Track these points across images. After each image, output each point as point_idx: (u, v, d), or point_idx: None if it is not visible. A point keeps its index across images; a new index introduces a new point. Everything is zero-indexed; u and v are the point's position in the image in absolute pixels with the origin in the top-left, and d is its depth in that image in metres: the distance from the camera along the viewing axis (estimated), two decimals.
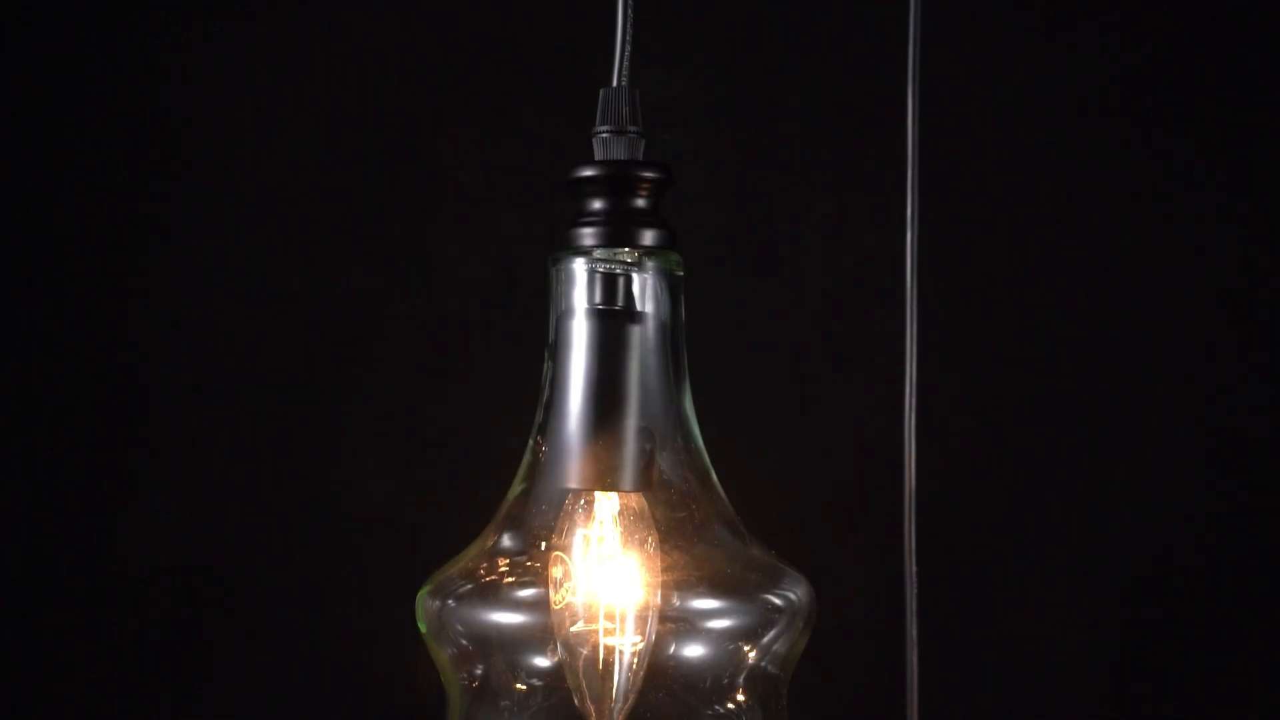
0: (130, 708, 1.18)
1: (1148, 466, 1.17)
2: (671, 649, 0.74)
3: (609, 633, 0.74)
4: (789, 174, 1.17)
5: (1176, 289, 1.16)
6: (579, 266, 0.75)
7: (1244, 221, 1.16)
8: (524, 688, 0.75)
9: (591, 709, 0.74)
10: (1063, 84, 1.16)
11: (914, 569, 0.82)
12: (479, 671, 0.76)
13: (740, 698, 0.75)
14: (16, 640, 1.17)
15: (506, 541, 0.76)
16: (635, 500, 0.75)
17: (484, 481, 0.82)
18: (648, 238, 0.74)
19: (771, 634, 0.75)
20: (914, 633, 0.83)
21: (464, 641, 0.75)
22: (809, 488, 1.16)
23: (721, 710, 0.75)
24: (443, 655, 0.77)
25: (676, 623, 0.74)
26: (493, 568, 0.76)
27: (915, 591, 0.83)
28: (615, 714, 0.74)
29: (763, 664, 0.76)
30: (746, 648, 0.75)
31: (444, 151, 1.16)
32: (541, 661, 0.75)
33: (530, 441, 0.77)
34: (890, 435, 0.80)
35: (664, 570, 0.74)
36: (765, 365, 1.17)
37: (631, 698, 0.74)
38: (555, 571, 0.74)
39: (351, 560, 1.16)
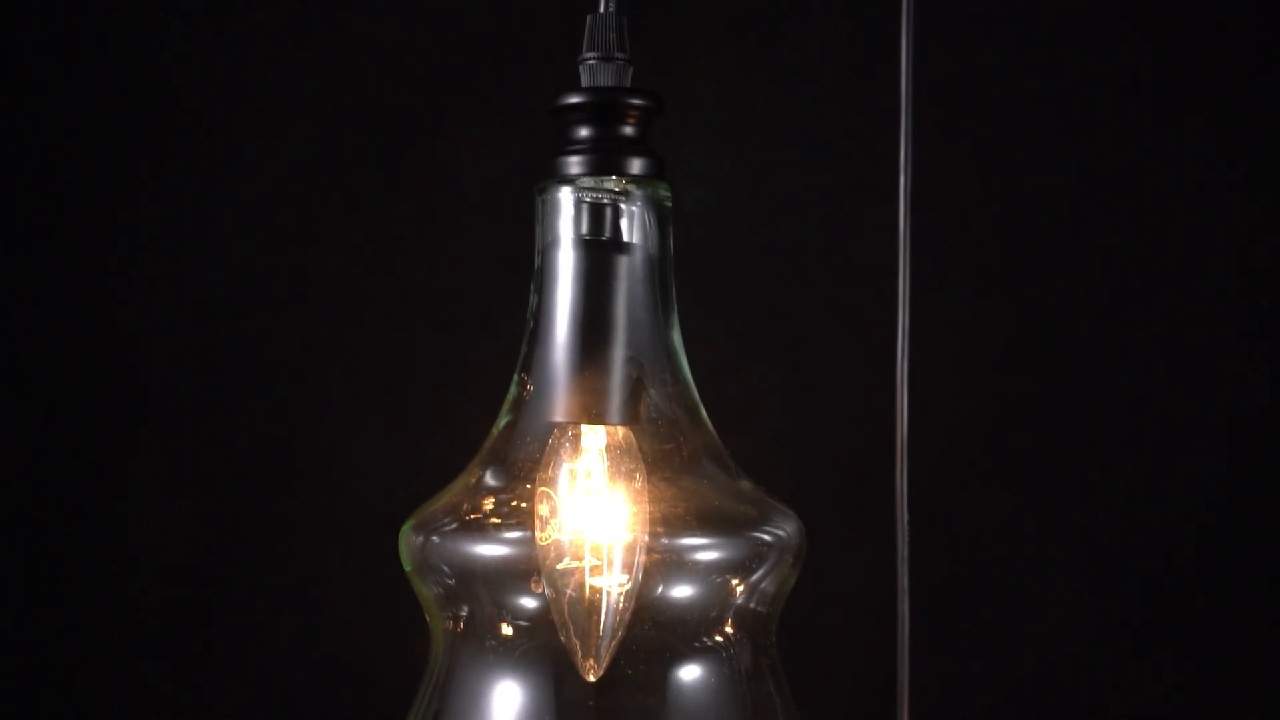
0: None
1: (1150, 451, 1.16)
2: (659, 582, 0.73)
3: (595, 571, 0.73)
4: (783, 138, 1.16)
5: (1180, 277, 1.15)
6: (565, 195, 0.74)
7: (1249, 207, 1.15)
8: (510, 630, 0.74)
9: (577, 645, 0.73)
10: (1065, 51, 1.16)
11: (905, 517, 0.81)
12: (464, 612, 0.75)
13: (729, 629, 0.74)
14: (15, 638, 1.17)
15: (491, 476, 0.75)
16: (622, 434, 0.74)
17: (470, 416, 0.81)
18: (635, 166, 0.74)
19: (760, 570, 0.74)
20: (905, 581, 0.82)
21: (448, 579, 0.74)
22: (802, 440, 1.15)
23: (710, 643, 0.74)
24: (427, 593, 0.76)
25: (664, 555, 0.73)
26: (477, 504, 0.75)
27: (907, 540, 0.82)
28: (602, 652, 0.73)
29: (751, 602, 0.75)
30: (735, 582, 0.74)
31: (440, 121, 1.16)
32: (528, 603, 0.74)
33: (515, 375, 0.76)
34: (883, 385, 0.79)
35: (651, 502, 0.73)
36: (758, 322, 1.16)
37: (618, 635, 0.73)
38: (541, 508, 0.73)
39: (344, 511, 1.15)
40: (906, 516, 0.81)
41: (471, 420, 0.79)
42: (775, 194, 1.16)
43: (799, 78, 1.16)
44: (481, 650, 0.74)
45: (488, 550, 0.73)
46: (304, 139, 1.16)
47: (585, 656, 0.73)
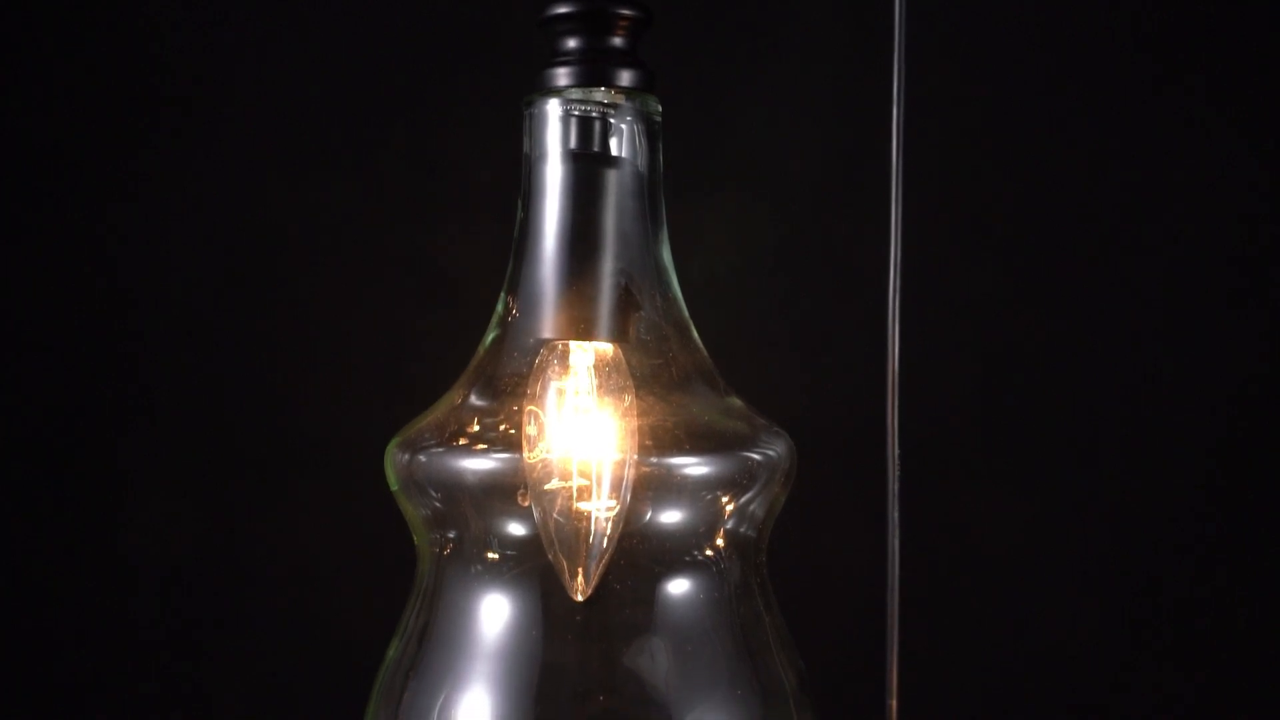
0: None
1: (1149, 450, 1.15)
2: (648, 499, 0.72)
3: (584, 491, 0.72)
4: (777, 80, 1.15)
5: (1182, 280, 1.15)
6: (553, 108, 0.73)
7: (1253, 189, 1.15)
8: (496, 556, 0.73)
9: (564, 564, 0.72)
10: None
11: (896, 451, 0.81)
12: (451, 536, 0.74)
13: (718, 546, 0.73)
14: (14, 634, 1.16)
15: (478, 394, 0.74)
16: (612, 352, 0.73)
17: (456, 337, 0.80)
18: (625, 78, 0.73)
19: (751, 488, 0.74)
20: (895, 516, 0.82)
21: (435, 499, 0.74)
22: (794, 371, 1.15)
23: (699, 557, 0.73)
24: (415, 514, 0.75)
25: (653, 472, 0.72)
26: (464, 421, 0.74)
27: (897, 474, 0.82)
28: (590, 572, 0.72)
29: (741, 520, 0.74)
30: (724, 500, 0.73)
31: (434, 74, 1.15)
32: (516, 529, 0.73)
33: (502, 293, 0.75)
34: (875, 319, 0.79)
35: (640, 416, 0.72)
36: (754, 260, 1.15)
37: (606, 556, 0.72)
38: (529, 428, 0.73)
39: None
40: (897, 451, 0.80)
41: (458, 339, 0.79)
42: (771, 173, 1.15)
43: (790, 27, 1.15)
44: (465, 575, 0.74)
45: (474, 466, 0.72)
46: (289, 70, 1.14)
47: (573, 576, 0.72)
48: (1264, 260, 1.14)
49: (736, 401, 0.75)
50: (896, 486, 0.81)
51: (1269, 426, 1.15)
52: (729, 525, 0.73)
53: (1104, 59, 1.14)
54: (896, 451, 0.80)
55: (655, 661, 0.71)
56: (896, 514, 0.81)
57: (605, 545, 0.72)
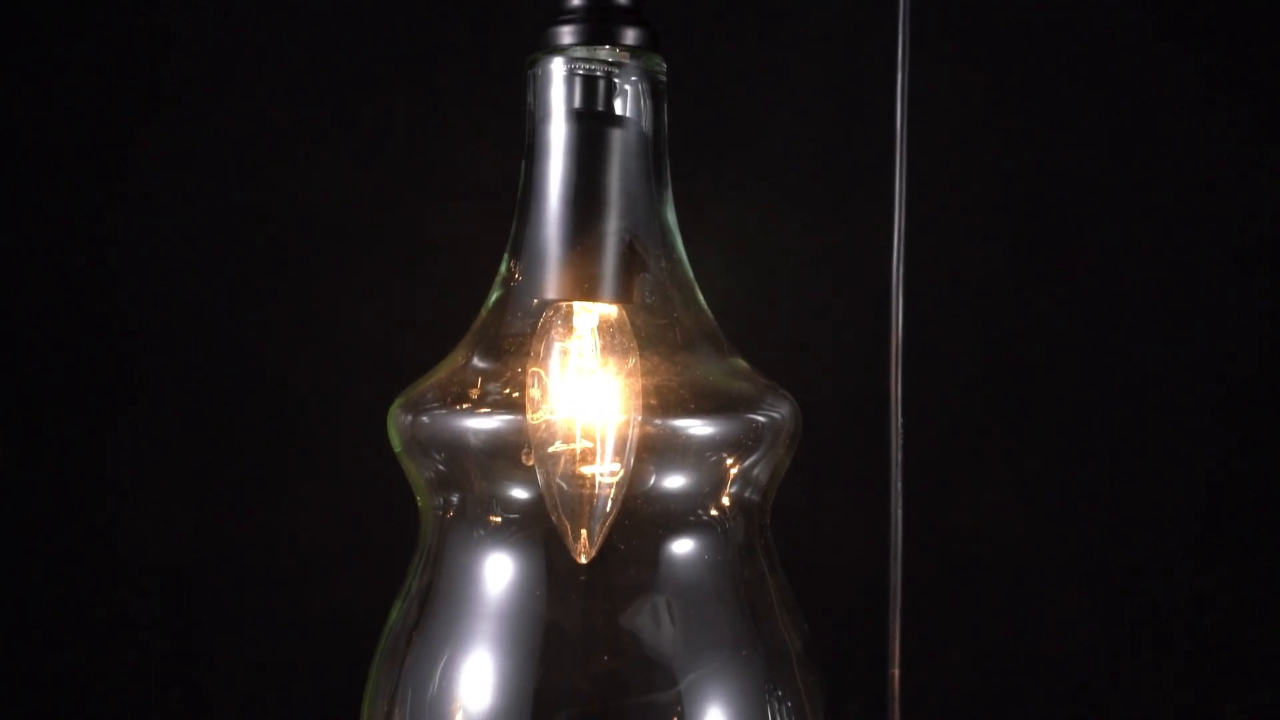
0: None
1: (1148, 448, 1.15)
2: (652, 459, 0.72)
3: (588, 454, 0.72)
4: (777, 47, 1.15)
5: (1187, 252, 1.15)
6: (557, 67, 0.72)
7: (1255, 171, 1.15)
8: (499, 519, 0.73)
9: (568, 526, 0.72)
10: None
11: (900, 420, 0.81)
12: (454, 499, 0.74)
13: (723, 506, 0.73)
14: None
15: (481, 354, 0.74)
16: (616, 313, 0.73)
17: (460, 297, 0.80)
18: (630, 36, 0.72)
19: (756, 449, 0.73)
20: (899, 486, 0.82)
21: (438, 461, 0.73)
22: (797, 338, 1.15)
23: (704, 517, 0.73)
24: (418, 477, 0.75)
25: (658, 431, 0.71)
26: (467, 383, 0.73)
27: (901, 443, 0.81)
28: (594, 535, 0.72)
29: (746, 481, 0.74)
30: (729, 461, 0.73)
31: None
32: (519, 493, 0.72)
33: (505, 253, 0.75)
34: (878, 286, 0.78)
35: (645, 375, 0.72)
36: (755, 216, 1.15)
37: (609, 519, 0.72)
38: (533, 390, 0.72)
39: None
40: (901, 421, 0.80)
41: (461, 301, 0.78)
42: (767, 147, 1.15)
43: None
44: (468, 539, 0.73)
45: (477, 426, 0.72)
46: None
47: (576, 538, 0.72)
48: (1268, 255, 1.14)
49: (742, 363, 0.75)
50: (900, 456, 0.80)
51: (1271, 425, 1.15)
52: (733, 486, 0.73)
53: (1110, 41, 1.14)
54: (900, 422, 0.80)
55: (659, 621, 0.71)
56: (900, 484, 0.81)
57: (609, 509, 0.72)
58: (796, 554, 0.80)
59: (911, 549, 0.80)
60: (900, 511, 0.80)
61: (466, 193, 1.11)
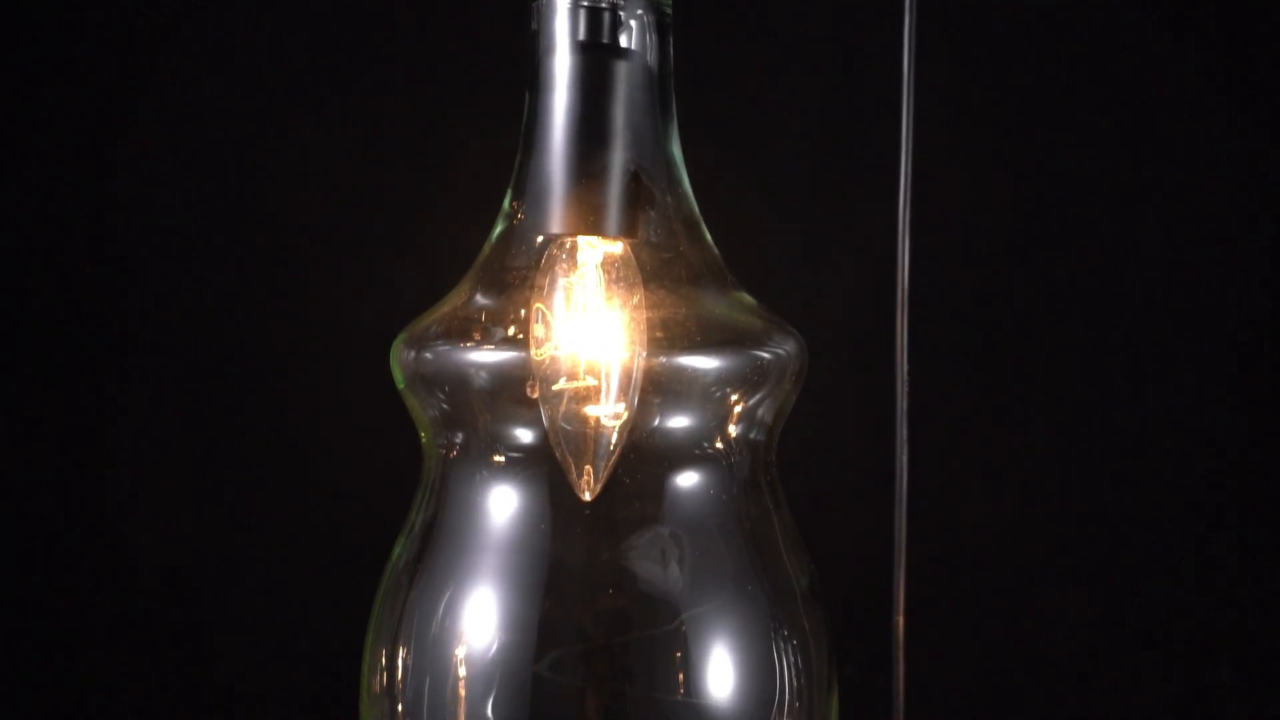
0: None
1: (1147, 446, 1.15)
2: (657, 394, 0.71)
3: (592, 392, 0.71)
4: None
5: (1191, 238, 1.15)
6: None
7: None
8: (502, 459, 0.72)
9: (572, 464, 0.71)
10: None
11: (905, 368, 0.80)
12: (458, 439, 0.73)
13: (728, 443, 0.72)
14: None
15: (485, 289, 0.73)
16: (621, 249, 0.72)
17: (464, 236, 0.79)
18: None
19: (762, 385, 0.73)
20: (904, 434, 0.81)
21: (442, 399, 0.72)
22: (803, 281, 1.15)
23: (710, 450, 0.72)
24: (422, 415, 0.74)
25: (663, 366, 0.71)
26: (470, 317, 0.73)
27: (906, 392, 0.81)
28: (598, 474, 0.71)
29: (752, 416, 0.73)
30: (734, 397, 0.72)
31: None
32: (523, 435, 0.72)
33: (509, 188, 0.74)
34: (885, 240, 0.78)
35: (650, 309, 0.71)
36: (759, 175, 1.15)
37: (614, 457, 0.71)
38: (536, 328, 0.72)
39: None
40: (906, 368, 0.80)
41: (465, 240, 0.78)
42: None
43: None
44: (470, 478, 0.73)
45: (481, 360, 0.71)
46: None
47: (580, 475, 0.71)
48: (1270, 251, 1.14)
49: (748, 298, 0.74)
50: (905, 404, 0.80)
51: (1275, 425, 1.15)
52: (739, 421, 0.72)
53: (1114, 20, 1.14)
54: (905, 368, 0.80)
55: (663, 555, 0.71)
56: (905, 431, 0.80)
57: (612, 448, 0.71)
58: (800, 500, 0.80)
59: (915, 496, 0.80)
60: (905, 458, 0.80)
61: (469, 131, 1.10)
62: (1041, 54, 1.14)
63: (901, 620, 0.80)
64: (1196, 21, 1.13)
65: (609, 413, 0.71)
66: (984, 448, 1.15)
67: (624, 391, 0.71)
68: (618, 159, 0.70)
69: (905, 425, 0.80)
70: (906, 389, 0.80)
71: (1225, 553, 1.15)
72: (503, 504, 0.72)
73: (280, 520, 1.15)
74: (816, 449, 1.10)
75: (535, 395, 0.70)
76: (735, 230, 0.80)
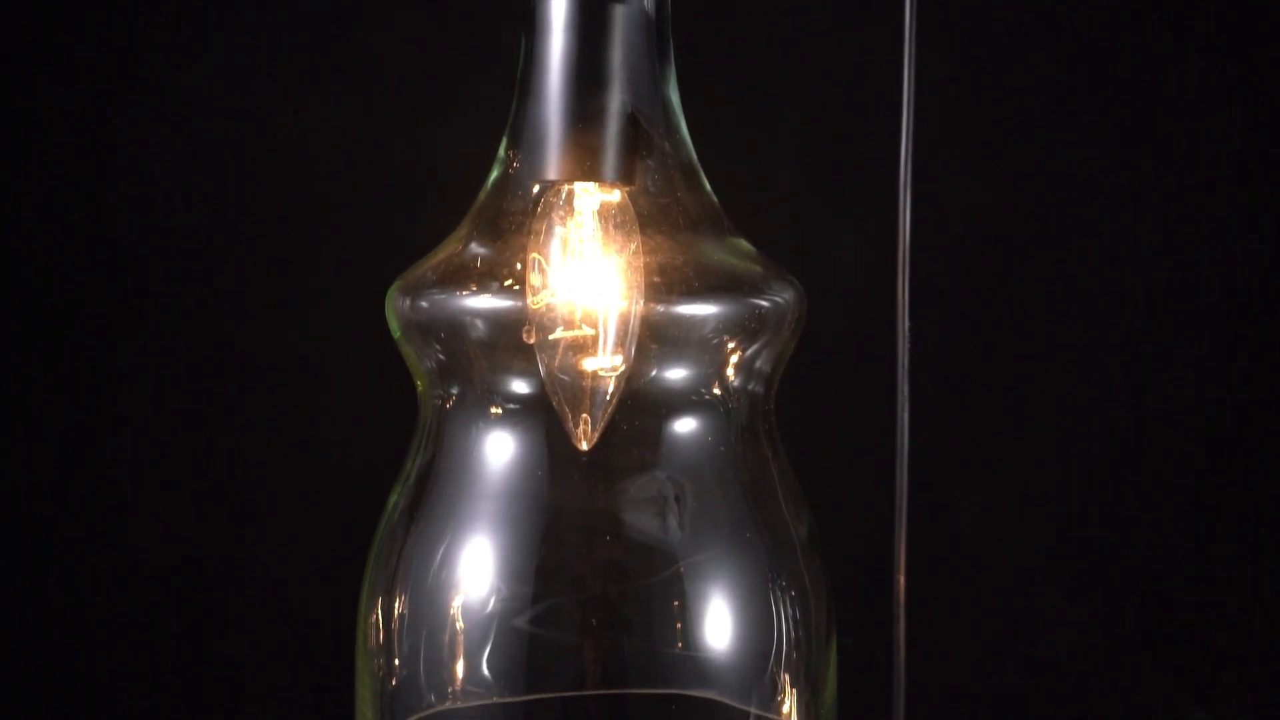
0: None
1: (1146, 446, 1.15)
2: (655, 340, 0.70)
3: (589, 342, 0.71)
4: None
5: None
6: None
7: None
8: (498, 410, 0.71)
9: (568, 413, 0.70)
10: None
11: (907, 325, 0.80)
12: (454, 390, 0.73)
13: (727, 389, 0.72)
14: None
15: (481, 235, 0.73)
16: (619, 197, 0.71)
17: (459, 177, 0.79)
18: None
19: (760, 332, 0.72)
20: (905, 390, 0.80)
21: (439, 350, 0.72)
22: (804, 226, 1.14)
23: (707, 396, 0.71)
24: (419, 365, 0.73)
25: (662, 312, 0.70)
26: (466, 264, 0.72)
27: (907, 348, 0.80)
28: (595, 424, 0.71)
29: (750, 365, 0.72)
30: (733, 341, 0.71)
31: None
32: (520, 386, 0.71)
33: (505, 134, 0.73)
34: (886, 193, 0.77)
35: (648, 254, 0.70)
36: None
37: (610, 407, 0.70)
38: (533, 277, 0.71)
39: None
40: (907, 324, 0.79)
41: (463, 190, 0.77)
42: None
43: None
44: (466, 428, 0.72)
45: (478, 306, 0.71)
46: None
47: (576, 425, 0.70)
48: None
49: (746, 245, 0.74)
50: (906, 359, 0.79)
51: (1274, 426, 1.14)
52: (737, 368, 0.72)
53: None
54: (907, 324, 0.79)
55: (661, 500, 0.70)
56: (906, 387, 0.80)
57: (609, 398, 0.70)
58: (799, 460, 0.79)
59: (916, 455, 0.79)
60: (906, 414, 0.79)
61: (469, 81, 1.10)
62: (1046, 13, 1.14)
63: (903, 579, 0.79)
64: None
65: (606, 364, 0.70)
66: (986, 407, 1.14)
67: (621, 342, 0.70)
68: (615, 101, 0.70)
69: (906, 382, 0.79)
70: (908, 345, 0.79)
71: (1228, 552, 1.15)
72: (499, 451, 0.71)
73: (280, 479, 1.14)
74: (816, 411, 1.09)
75: (531, 341, 0.70)
76: (733, 192, 0.79)
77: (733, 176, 0.79)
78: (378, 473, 0.80)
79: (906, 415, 0.80)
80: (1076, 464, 1.15)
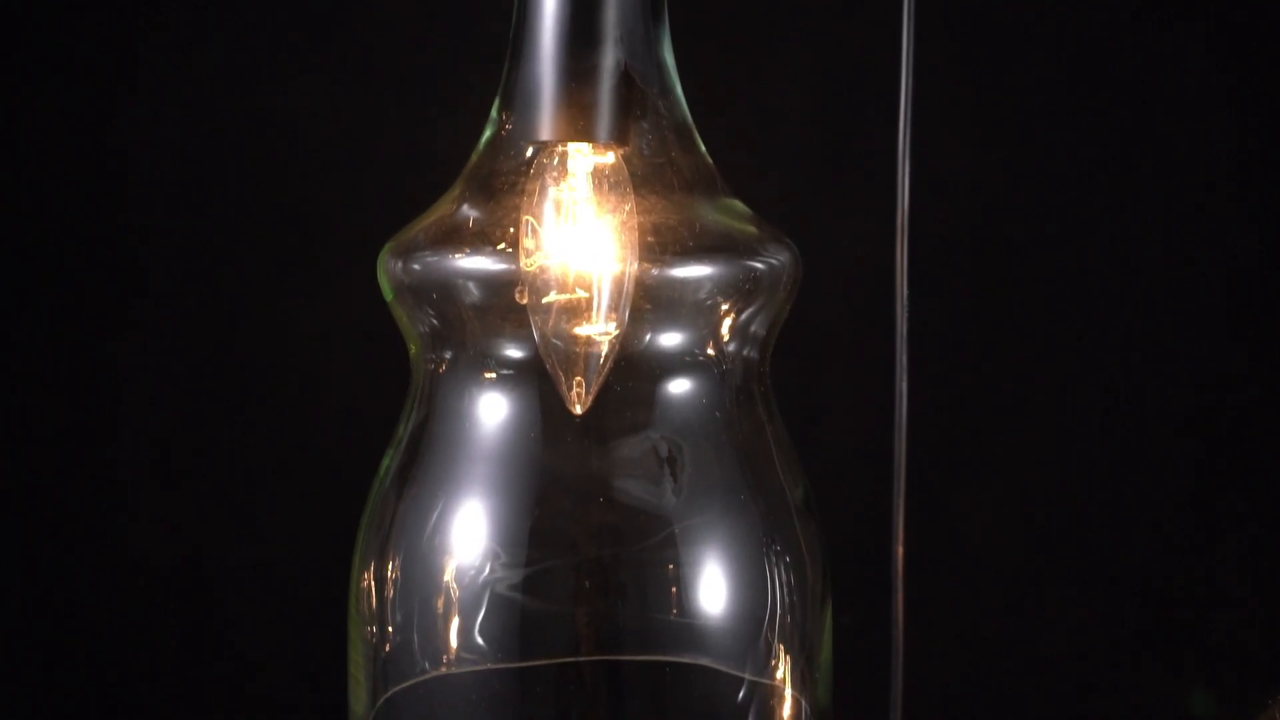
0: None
1: (1145, 446, 1.15)
2: (649, 301, 0.70)
3: (583, 306, 0.70)
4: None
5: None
6: None
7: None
8: (492, 375, 0.71)
9: (562, 376, 0.70)
10: None
11: (905, 290, 0.79)
12: (447, 355, 0.72)
13: (722, 346, 0.71)
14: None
15: (473, 197, 0.72)
16: (613, 159, 0.71)
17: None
18: None
19: (756, 293, 0.71)
20: (904, 360, 0.80)
21: (432, 314, 0.71)
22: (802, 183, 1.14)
23: (701, 357, 0.71)
24: (411, 329, 0.73)
25: (656, 274, 0.70)
26: (459, 227, 0.72)
27: (906, 312, 0.80)
28: (588, 389, 0.70)
29: (746, 327, 0.72)
30: (728, 303, 0.71)
31: None
32: (513, 351, 0.71)
33: (496, 99, 0.73)
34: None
35: (642, 214, 0.70)
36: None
37: (604, 371, 0.70)
38: (526, 241, 0.70)
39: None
40: (906, 292, 0.78)
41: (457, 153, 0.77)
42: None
43: None
44: (458, 392, 0.72)
45: (470, 268, 0.70)
46: None
47: (570, 389, 0.70)
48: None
49: (742, 206, 0.73)
50: (905, 328, 0.79)
51: (1272, 429, 1.14)
52: (732, 330, 0.71)
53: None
54: (905, 293, 0.78)
55: (654, 460, 0.70)
56: (904, 358, 0.79)
57: (602, 362, 0.70)
58: (796, 429, 0.79)
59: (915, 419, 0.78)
60: (904, 384, 0.79)
61: (463, 45, 1.09)
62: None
63: (901, 550, 0.78)
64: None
65: (599, 330, 0.70)
66: (983, 374, 1.14)
67: (614, 306, 0.70)
68: (608, 59, 0.69)
69: (904, 352, 0.79)
70: (907, 313, 0.79)
71: (1228, 552, 1.14)
72: (492, 414, 0.70)
73: (280, 467, 1.14)
74: (814, 379, 1.09)
75: (524, 301, 0.69)
76: (732, 158, 0.79)
77: (729, 155, 0.79)
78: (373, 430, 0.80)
79: (905, 384, 0.79)
80: (1075, 442, 1.15)
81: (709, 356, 0.71)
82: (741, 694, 0.71)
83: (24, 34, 1.11)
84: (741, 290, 0.71)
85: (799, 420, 0.79)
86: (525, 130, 0.70)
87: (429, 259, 0.71)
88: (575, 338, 0.70)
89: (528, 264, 0.70)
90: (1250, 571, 1.15)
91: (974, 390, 1.15)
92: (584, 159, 0.71)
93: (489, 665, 0.70)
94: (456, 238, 0.71)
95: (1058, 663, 1.16)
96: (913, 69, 0.75)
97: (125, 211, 1.13)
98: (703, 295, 0.70)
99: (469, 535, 0.70)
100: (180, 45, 1.12)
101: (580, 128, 0.69)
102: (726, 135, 0.81)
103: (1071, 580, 1.15)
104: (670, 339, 0.70)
